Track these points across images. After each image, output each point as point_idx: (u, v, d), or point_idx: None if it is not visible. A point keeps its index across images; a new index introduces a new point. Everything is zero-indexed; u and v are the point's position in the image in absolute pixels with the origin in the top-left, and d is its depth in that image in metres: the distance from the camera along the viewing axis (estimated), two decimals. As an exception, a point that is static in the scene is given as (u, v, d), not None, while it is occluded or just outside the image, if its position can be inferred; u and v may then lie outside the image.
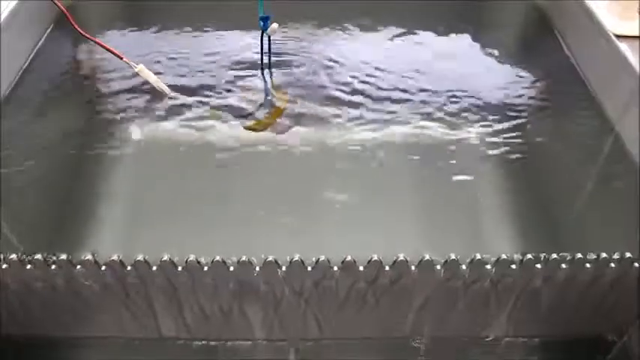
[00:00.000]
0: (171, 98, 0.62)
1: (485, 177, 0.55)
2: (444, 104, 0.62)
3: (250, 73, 0.66)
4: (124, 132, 0.59)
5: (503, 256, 0.38)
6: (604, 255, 0.39)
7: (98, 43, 0.64)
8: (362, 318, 0.43)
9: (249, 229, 0.49)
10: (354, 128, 0.59)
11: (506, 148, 0.58)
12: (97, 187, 0.53)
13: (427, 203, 0.52)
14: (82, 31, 0.64)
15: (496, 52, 0.70)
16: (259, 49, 0.65)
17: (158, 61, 0.66)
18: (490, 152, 0.57)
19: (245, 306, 0.42)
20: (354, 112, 0.61)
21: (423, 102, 0.62)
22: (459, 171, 0.55)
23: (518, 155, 0.57)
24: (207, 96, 0.63)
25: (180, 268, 0.38)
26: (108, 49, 0.63)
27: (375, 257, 0.38)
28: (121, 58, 0.62)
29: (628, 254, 0.39)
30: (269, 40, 0.64)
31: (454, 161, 0.56)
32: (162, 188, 0.54)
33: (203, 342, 0.45)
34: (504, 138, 0.58)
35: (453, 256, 0.38)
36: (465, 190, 0.53)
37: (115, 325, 0.44)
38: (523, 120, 0.61)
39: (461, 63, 0.69)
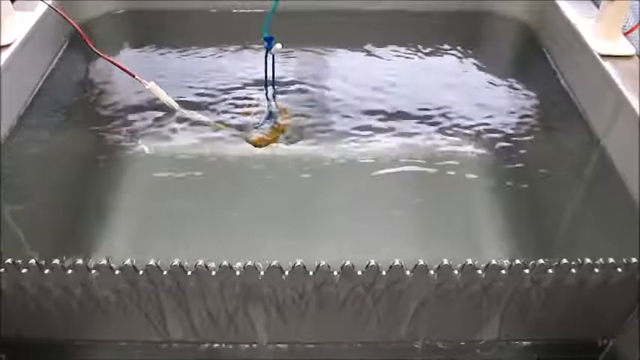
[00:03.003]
0: (180, 114, 0.65)
1: (478, 189, 0.57)
2: (437, 119, 0.65)
3: (255, 90, 0.69)
4: (135, 146, 0.61)
5: (493, 262, 0.40)
6: (588, 260, 0.41)
7: (111, 61, 0.66)
8: (360, 321, 0.45)
9: (253, 236, 0.51)
10: (352, 142, 0.62)
11: (498, 160, 0.60)
12: (109, 199, 0.56)
13: (423, 213, 0.54)
14: (95, 49, 0.66)
15: (487, 70, 0.73)
16: (264, 68, 0.68)
17: (167, 79, 0.69)
18: (481, 165, 0.59)
19: (249, 309, 0.44)
20: (353, 127, 0.64)
21: (417, 117, 0.65)
22: (453, 182, 0.57)
23: (508, 167, 0.59)
24: (214, 112, 0.65)
25: (189, 273, 0.41)
26: (120, 67, 0.65)
27: (373, 262, 0.40)
28: (133, 76, 0.64)
29: (611, 260, 0.41)
30: (273, 58, 0.67)
31: (448, 173, 0.58)
32: (170, 199, 0.56)
33: (209, 345, 0.47)
34: (495, 151, 0.61)
35: (445, 262, 0.40)
36: (458, 201, 0.55)
37: (126, 328, 0.46)
38: (513, 134, 0.63)
39: (453, 80, 0.71)
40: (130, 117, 0.64)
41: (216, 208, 0.54)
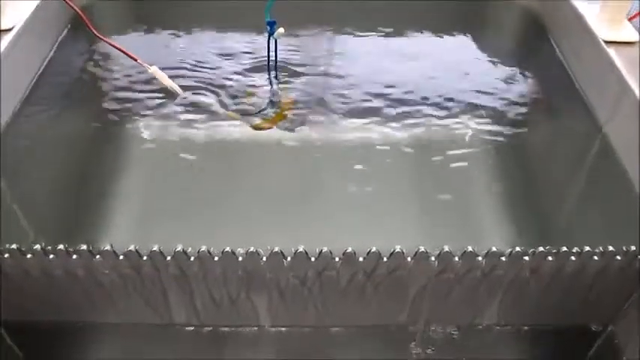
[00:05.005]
0: (183, 98, 0.65)
1: (478, 175, 0.57)
2: (440, 104, 0.64)
3: (257, 75, 0.68)
4: (137, 131, 0.61)
5: (494, 249, 0.41)
6: (587, 248, 0.41)
7: (112, 45, 0.65)
8: (361, 306, 0.45)
9: (257, 222, 0.52)
10: (354, 127, 0.62)
11: (499, 146, 0.60)
12: (112, 183, 0.56)
13: (425, 198, 0.55)
14: (97, 33, 0.66)
15: (491, 55, 0.73)
16: (266, 52, 0.68)
17: (169, 63, 0.69)
18: (482, 152, 0.59)
19: (252, 294, 0.44)
20: (355, 112, 0.64)
21: (419, 102, 0.65)
22: (455, 169, 0.57)
23: (510, 154, 0.59)
24: (217, 96, 0.65)
25: (192, 258, 0.41)
26: (122, 51, 0.64)
27: (374, 249, 0.40)
28: (135, 60, 0.64)
29: (610, 247, 0.41)
30: (275, 43, 0.67)
31: (450, 159, 0.58)
32: (173, 185, 0.56)
33: (211, 328, 0.47)
34: (499, 137, 0.61)
35: (446, 249, 0.41)
36: (459, 187, 0.56)
37: (130, 312, 0.46)
38: (517, 119, 0.63)
39: (457, 64, 0.71)
40: (132, 101, 0.64)
41: (218, 192, 0.55)
